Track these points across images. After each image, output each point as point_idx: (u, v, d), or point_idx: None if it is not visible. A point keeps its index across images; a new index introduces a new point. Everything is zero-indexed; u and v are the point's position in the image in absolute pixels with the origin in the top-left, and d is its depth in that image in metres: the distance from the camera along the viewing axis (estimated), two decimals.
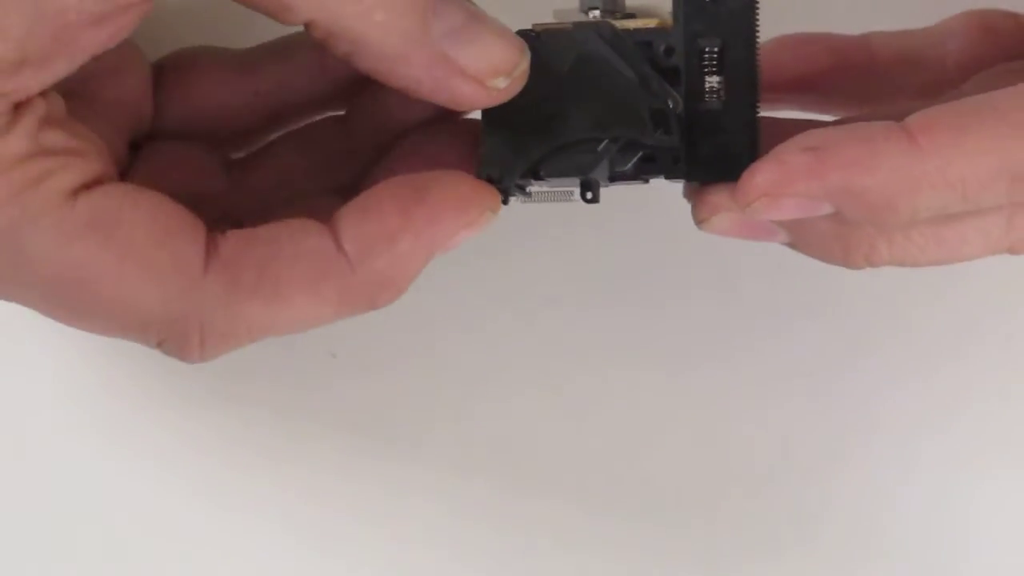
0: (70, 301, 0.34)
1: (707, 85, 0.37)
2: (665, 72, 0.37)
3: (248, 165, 0.41)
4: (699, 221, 0.37)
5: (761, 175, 0.34)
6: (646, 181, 0.37)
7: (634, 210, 0.46)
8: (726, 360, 0.47)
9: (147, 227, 0.34)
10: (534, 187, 0.37)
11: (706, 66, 0.37)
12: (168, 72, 0.40)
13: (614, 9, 0.37)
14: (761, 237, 0.36)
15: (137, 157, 0.39)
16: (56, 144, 0.34)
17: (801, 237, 0.36)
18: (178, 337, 0.35)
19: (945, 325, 0.47)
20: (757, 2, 0.36)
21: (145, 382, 0.46)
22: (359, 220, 0.36)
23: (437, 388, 0.46)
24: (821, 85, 0.40)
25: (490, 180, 0.36)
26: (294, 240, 0.36)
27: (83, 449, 0.46)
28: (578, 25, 0.37)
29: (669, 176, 0.37)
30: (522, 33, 0.36)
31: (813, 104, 0.41)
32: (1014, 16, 0.39)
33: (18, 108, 0.33)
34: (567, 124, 0.36)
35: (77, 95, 0.36)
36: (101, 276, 0.34)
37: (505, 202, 0.37)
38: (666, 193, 0.38)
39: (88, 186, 0.34)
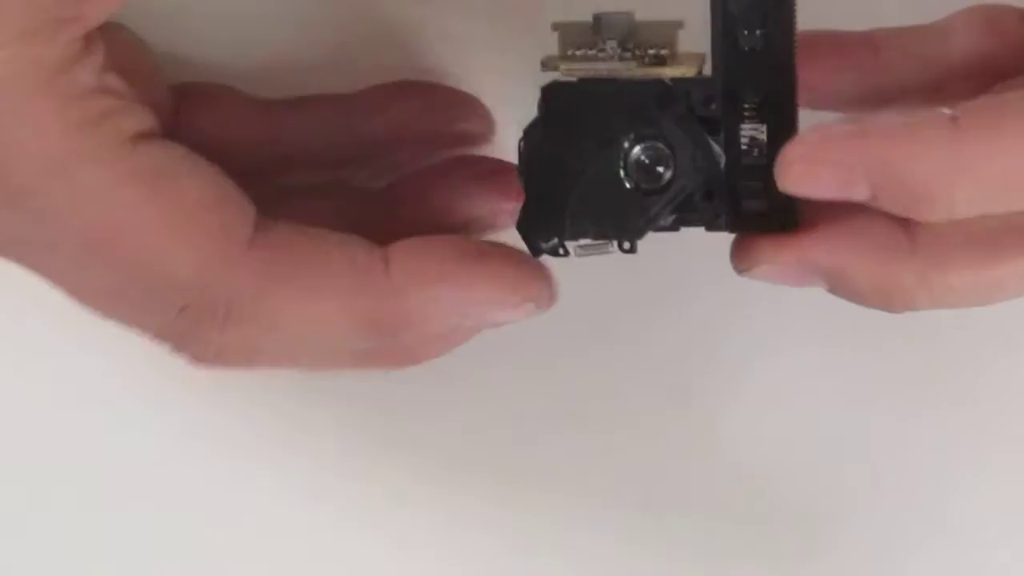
0: (107, 247, 0.34)
1: (746, 135, 0.36)
2: (704, 121, 0.36)
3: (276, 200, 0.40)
4: (740, 270, 0.36)
5: (801, 142, 0.34)
6: (677, 229, 0.37)
7: None
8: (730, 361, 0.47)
9: (201, 189, 0.34)
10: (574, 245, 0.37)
11: (747, 115, 0.36)
12: (191, 96, 0.40)
13: (628, 39, 0.36)
14: (805, 283, 0.36)
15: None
16: (119, 89, 0.34)
17: (841, 284, 0.36)
18: (204, 306, 0.34)
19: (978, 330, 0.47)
20: (795, 51, 0.36)
21: (146, 381, 0.46)
22: (418, 252, 0.36)
23: (438, 388, 0.46)
24: (826, 83, 0.40)
25: (538, 247, 0.36)
26: (344, 248, 0.35)
27: (76, 449, 0.46)
28: (624, 82, 0.36)
29: (710, 229, 0.36)
30: (554, 86, 0.36)
31: (820, 102, 0.41)
32: (1020, 11, 0.39)
33: (88, 40, 0.33)
34: (614, 185, 0.36)
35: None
36: (146, 225, 0.34)
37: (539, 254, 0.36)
38: None
39: (147, 136, 0.34)
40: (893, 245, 0.35)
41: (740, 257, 0.36)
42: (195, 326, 0.35)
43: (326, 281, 0.35)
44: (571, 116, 0.36)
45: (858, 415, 0.47)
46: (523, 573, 0.48)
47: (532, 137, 0.36)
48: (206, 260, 0.34)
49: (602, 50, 0.36)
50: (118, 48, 0.35)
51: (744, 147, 0.36)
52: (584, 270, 0.46)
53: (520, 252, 0.36)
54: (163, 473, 0.46)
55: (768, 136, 0.36)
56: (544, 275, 0.37)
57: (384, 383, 0.46)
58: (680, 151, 0.35)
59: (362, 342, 0.36)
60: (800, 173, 0.34)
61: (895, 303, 0.35)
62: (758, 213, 0.36)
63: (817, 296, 0.43)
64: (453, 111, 0.42)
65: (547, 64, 0.37)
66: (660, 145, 0.36)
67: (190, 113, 0.40)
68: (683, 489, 0.48)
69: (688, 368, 0.47)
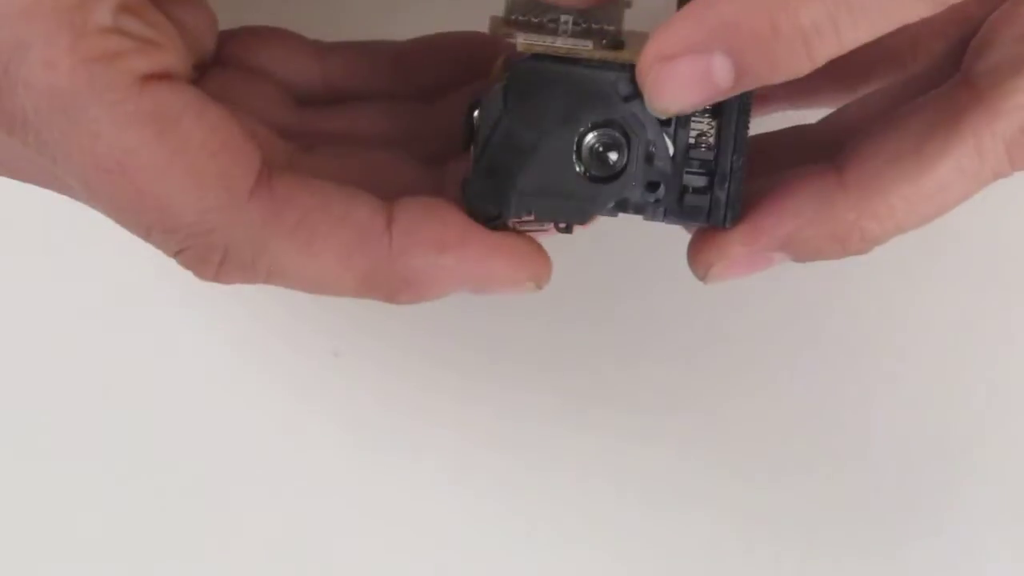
0: (107, 186, 0.34)
1: (696, 129, 0.36)
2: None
3: (323, 110, 0.41)
4: (701, 278, 0.37)
5: (650, 45, 0.34)
6: (615, 215, 0.37)
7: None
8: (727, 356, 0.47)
9: (205, 135, 0.34)
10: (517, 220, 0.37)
11: (701, 110, 0.36)
12: (244, 31, 0.40)
13: (580, 16, 0.37)
14: (763, 266, 0.36)
15: (205, 76, 0.39)
16: (134, 30, 0.34)
17: (795, 249, 0.36)
18: (201, 250, 0.35)
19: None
20: None
21: (146, 378, 0.46)
22: (421, 215, 0.36)
23: (439, 387, 0.46)
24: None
25: (487, 215, 0.36)
26: (347, 203, 0.35)
27: (68, 448, 0.46)
28: (588, 66, 0.36)
29: (647, 217, 0.37)
30: (520, 65, 0.36)
31: (797, 99, 0.41)
32: None
33: None
34: (565, 168, 0.36)
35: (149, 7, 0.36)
36: (146, 168, 0.34)
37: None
38: None
39: (158, 77, 0.34)
40: (825, 188, 0.35)
41: (694, 266, 0.37)
42: (193, 265, 0.35)
43: (324, 236, 0.35)
44: (535, 94, 0.35)
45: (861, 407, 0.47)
46: (523, 572, 0.48)
47: (492, 107, 0.36)
48: (204, 207, 0.34)
49: (553, 21, 0.37)
50: None
51: (692, 141, 0.36)
52: (585, 269, 0.46)
53: (524, 233, 0.37)
54: (163, 471, 0.46)
55: (718, 131, 0.36)
56: (545, 255, 0.37)
57: (386, 382, 0.46)
58: (635, 142, 0.36)
59: (363, 295, 0.36)
60: (659, 75, 0.34)
61: (851, 243, 0.35)
62: (699, 207, 0.36)
63: (817, 299, 0.43)
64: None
65: (494, 26, 0.37)
66: (616, 134, 0.36)
67: (243, 47, 0.40)
68: (683, 487, 0.48)
69: (687, 365, 0.47)
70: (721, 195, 0.36)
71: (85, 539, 0.47)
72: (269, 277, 0.35)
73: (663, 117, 0.35)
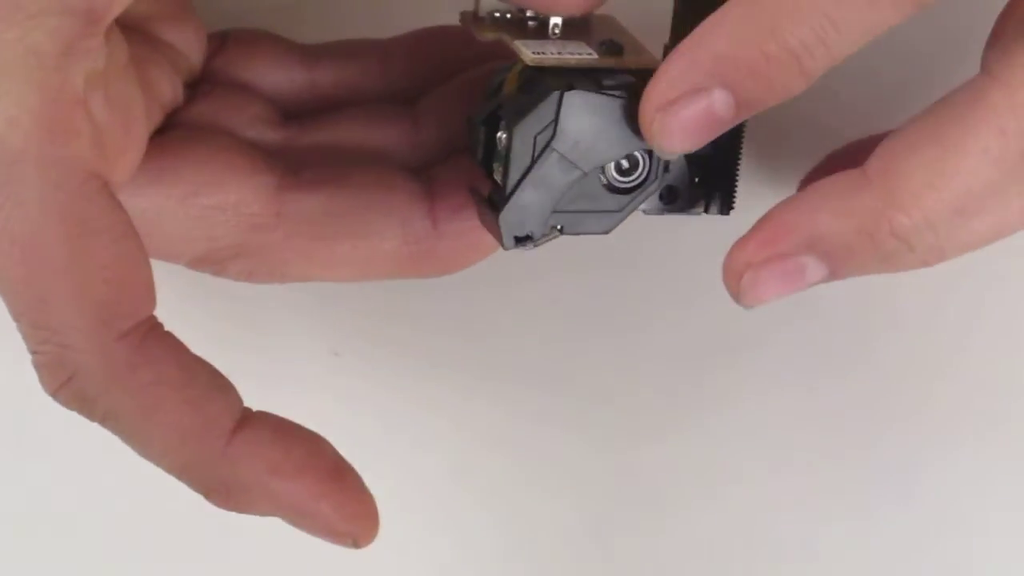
0: (3, 255, 0.33)
1: None
2: None
3: (307, 124, 0.41)
4: (736, 296, 0.36)
5: (652, 85, 0.34)
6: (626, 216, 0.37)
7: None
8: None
9: (109, 262, 0.34)
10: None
11: None
12: (231, 41, 0.40)
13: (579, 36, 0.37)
14: (796, 278, 0.35)
15: (195, 93, 0.39)
16: (96, 109, 0.34)
17: (825, 249, 0.35)
18: (52, 361, 0.34)
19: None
20: None
21: None
22: (271, 432, 0.36)
23: (439, 386, 0.46)
24: None
25: (512, 240, 0.36)
26: (206, 392, 0.35)
27: (68, 448, 0.46)
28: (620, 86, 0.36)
29: (647, 212, 0.37)
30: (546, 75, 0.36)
31: None
32: None
33: (93, 37, 0.33)
34: (592, 183, 0.36)
35: (137, 31, 0.37)
36: (43, 260, 0.33)
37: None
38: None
39: (100, 183, 0.34)
40: (849, 182, 0.35)
41: (728, 282, 0.36)
42: (40, 372, 0.35)
43: (166, 411, 0.35)
44: (580, 122, 0.36)
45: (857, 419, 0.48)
46: (523, 571, 0.48)
47: (536, 138, 0.36)
48: (72, 324, 0.34)
49: (532, 19, 0.37)
50: None
51: None
52: (584, 267, 0.46)
53: (365, 487, 0.37)
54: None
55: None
56: (375, 518, 0.37)
57: (387, 381, 0.46)
58: (655, 154, 0.36)
59: (179, 479, 0.36)
60: (664, 124, 0.34)
61: (881, 237, 0.34)
62: (696, 198, 0.37)
63: (815, 302, 0.43)
64: (488, 57, 0.42)
65: (469, 23, 0.38)
66: (639, 151, 0.36)
67: (229, 60, 0.40)
68: (682, 486, 0.48)
69: (687, 365, 0.47)
70: (719, 186, 0.37)
71: (85, 539, 0.47)
72: (104, 420, 0.35)
73: (670, 159, 0.36)
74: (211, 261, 0.38)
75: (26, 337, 0.34)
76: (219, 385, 0.36)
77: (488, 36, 0.37)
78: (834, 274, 0.35)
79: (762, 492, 0.48)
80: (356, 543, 0.37)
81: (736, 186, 0.37)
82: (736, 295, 0.35)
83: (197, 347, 0.37)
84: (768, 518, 0.48)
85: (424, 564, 0.48)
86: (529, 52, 0.36)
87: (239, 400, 0.36)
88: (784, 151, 0.44)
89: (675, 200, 0.37)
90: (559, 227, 0.36)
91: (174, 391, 0.35)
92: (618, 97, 0.36)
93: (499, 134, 0.37)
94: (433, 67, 0.41)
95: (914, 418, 0.48)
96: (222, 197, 0.37)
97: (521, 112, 0.36)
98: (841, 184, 0.35)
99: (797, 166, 0.43)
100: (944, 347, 0.47)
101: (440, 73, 0.40)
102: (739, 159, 0.37)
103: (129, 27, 0.35)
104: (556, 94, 0.35)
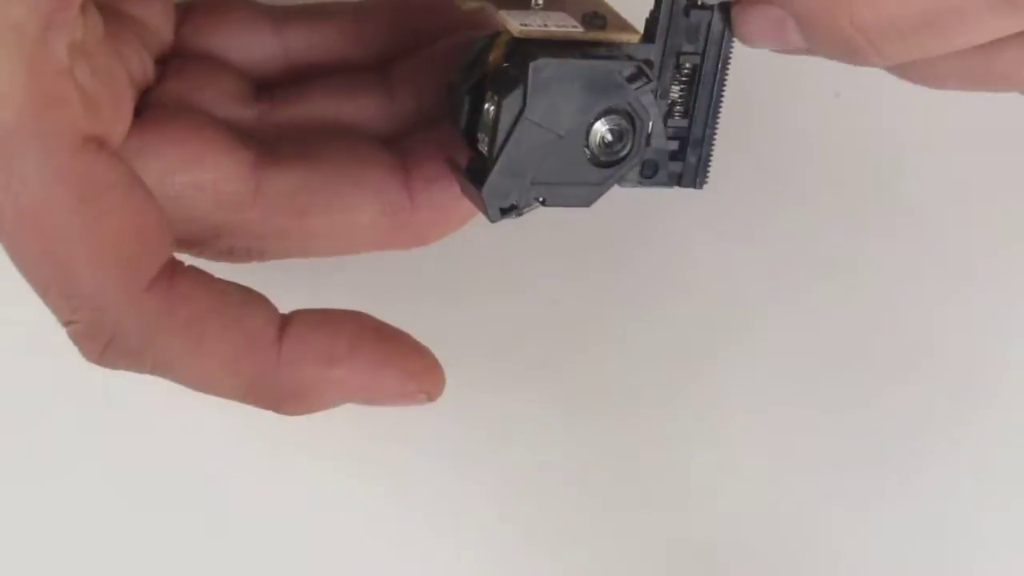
0: (19, 233, 0.33)
1: (672, 96, 0.37)
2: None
3: (279, 98, 0.40)
4: (733, 30, 0.36)
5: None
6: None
7: (634, 210, 0.46)
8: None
9: (122, 216, 0.34)
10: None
11: (676, 79, 0.37)
12: (199, 9, 0.40)
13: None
14: (776, 28, 0.35)
15: (166, 70, 0.39)
16: (83, 79, 0.33)
17: (804, 28, 0.35)
18: (89, 327, 0.34)
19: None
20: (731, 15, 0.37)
21: (145, 377, 0.46)
22: (313, 326, 0.36)
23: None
24: None
25: (496, 210, 0.36)
26: (242, 309, 0.35)
27: (67, 448, 0.46)
28: (592, 55, 0.36)
29: (623, 184, 0.37)
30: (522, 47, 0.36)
31: None
32: None
33: (72, 9, 0.32)
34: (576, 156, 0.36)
35: (106, 7, 0.36)
36: (57, 228, 0.33)
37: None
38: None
39: (98, 143, 0.34)
40: None
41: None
42: (79, 340, 0.35)
43: (213, 339, 0.35)
44: (553, 91, 0.36)
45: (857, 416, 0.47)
46: (522, 569, 0.48)
47: (510, 108, 0.36)
48: (100, 285, 0.34)
49: None
50: None
51: (666, 109, 0.37)
52: (584, 265, 0.46)
53: (418, 342, 0.37)
54: (161, 469, 0.46)
55: (694, 99, 0.37)
56: (438, 367, 0.37)
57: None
58: (640, 126, 0.36)
59: (246, 402, 0.36)
60: (740, 13, 0.35)
61: (839, 22, 0.34)
62: (672, 172, 0.37)
63: (815, 304, 0.43)
64: (464, 25, 0.42)
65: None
66: (623, 122, 0.36)
67: (197, 28, 0.40)
68: (683, 485, 0.48)
69: (684, 363, 0.47)
70: (693, 159, 0.37)
71: (85, 539, 0.47)
72: (154, 369, 0.35)
73: (752, 47, 0.36)
74: (189, 243, 0.38)
75: (56, 310, 0.34)
76: (252, 300, 0.36)
77: (471, 5, 0.37)
78: (810, 45, 0.35)
79: (762, 492, 0.48)
80: (429, 397, 0.37)
81: (710, 161, 0.37)
82: (733, 21, 0.36)
83: None
84: (768, 518, 0.48)
85: (424, 564, 0.48)
86: (516, 23, 0.36)
87: (274, 308, 0.36)
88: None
89: (653, 174, 0.37)
90: (541, 199, 0.36)
91: (213, 319, 0.35)
92: (588, 59, 0.36)
93: (486, 105, 0.36)
94: (408, 33, 0.40)
95: (914, 416, 0.48)
96: (199, 175, 0.37)
97: (509, 84, 0.36)
98: None
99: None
100: (943, 348, 0.47)
101: (415, 39, 0.40)
102: (715, 134, 0.37)
103: (97, 3, 0.35)
104: (529, 64, 0.35)
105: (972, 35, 0.33)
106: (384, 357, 0.36)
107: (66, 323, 0.34)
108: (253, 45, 0.40)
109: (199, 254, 0.38)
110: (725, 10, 0.36)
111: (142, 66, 0.37)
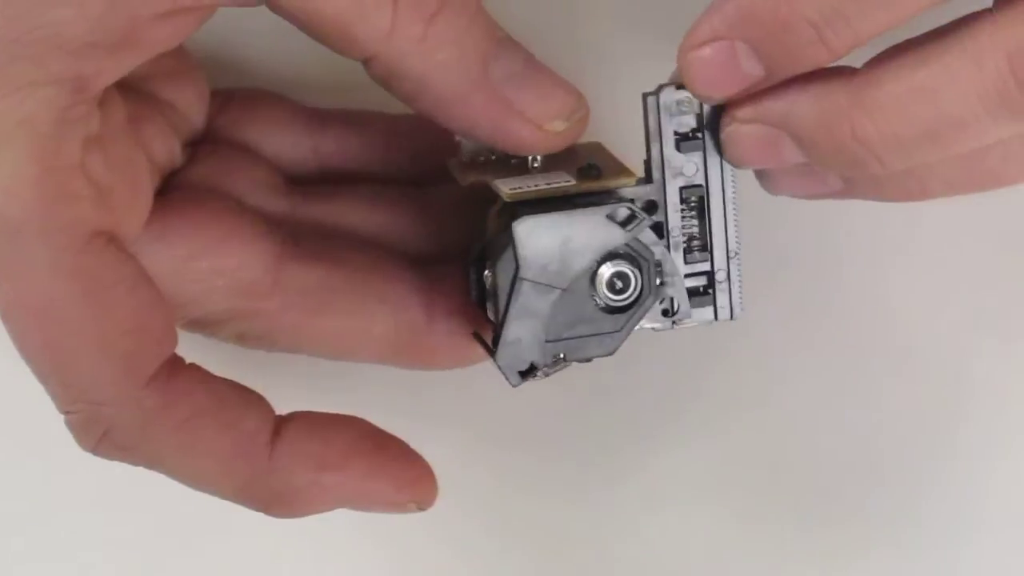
0: (21, 323, 0.34)
1: (687, 231, 0.37)
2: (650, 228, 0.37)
3: (311, 194, 0.40)
4: (723, 150, 0.36)
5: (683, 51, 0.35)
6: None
7: None
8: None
9: (127, 312, 0.34)
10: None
11: (685, 212, 0.37)
12: (236, 100, 0.40)
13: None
14: (771, 151, 0.36)
15: (196, 153, 0.39)
16: (96, 171, 0.34)
17: (793, 129, 0.35)
18: (85, 419, 0.35)
19: None
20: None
21: None
22: (307, 431, 0.36)
23: (440, 385, 0.46)
24: None
25: (516, 376, 0.36)
26: (239, 410, 0.36)
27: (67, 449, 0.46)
28: (580, 206, 0.36)
29: (657, 330, 0.37)
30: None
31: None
32: None
33: (87, 105, 0.33)
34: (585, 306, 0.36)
35: (135, 90, 0.36)
36: (61, 322, 0.33)
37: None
38: None
39: (107, 238, 0.34)
40: (832, 76, 0.34)
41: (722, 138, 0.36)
42: (75, 431, 0.35)
43: (207, 440, 0.35)
44: (543, 244, 0.36)
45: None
46: (523, 570, 0.48)
47: (505, 271, 0.36)
48: (99, 380, 0.34)
49: (515, 157, 0.37)
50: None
51: (685, 246, 0.37)
52: None
53: (413, 450, 0.37)
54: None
55: (709, 233, 0.37)
56: (430, 476, 0.38)
57: (386, 379, 0.46)
58: (646, 267, 0.36)
59: (237, 502, 0.36)
60: (690, 63, 0.34)
61: (840, 134, 0.34)
62: (704, 310, 0.37)
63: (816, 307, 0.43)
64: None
65: (457, 172, 0.38)
66: (626, 264, 0.36)
67: (233, 120, 0.40)
68: (682, 485, 0.48)
69: (688, 365, 0.47)
70: (723, 298, 0.37)
71: (84, 539, 0.47)
72: (149, 464, 0.35)
73: (709, 104, 0.36)
74: (204, 324, 0.38)
75: (55, 398, 0.35)
76: (249, 401, 0.36)
77: (468, 180, 0.38)
78: (808, 159, 0.35)
79: (762, 492, 0.48)
80: (421, 507, 0.37)
81: (740, 287, 0.37)
82: (723, 145, 0.36)
83: (195, 348, 0.37)
84: (768, 518, 0.48)
85: (424, 563, 0.48)
86: (506, 189, 0.36)
87: (270, 409, 0.36)
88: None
89: (678, 312, 0.37)
90: (562, 355, 0.36)
91: (209, 419, 0.35)
92: (570, 208, 0.36)
93: (485, 273, 0.37)
94: (438, 150, 0.40)
95: (915, 416, 0.48)
96: (220, 261, 0.37)
97: (500, 248, 0.36)
98: (830, 73, 0.34)
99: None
100: (944, 347, 0.47)
101: (444, 156, 0.40)
102: (739, 260, 0.37)
103: (125, 86, 0.35)
104: (511, 224, 0.36)
105: (973, 143, 0.33)
106: (377, 466, 0.37)
107: (64, 412, 0.35)
108: (286, 140, 0.40)
109: (211, 335, 0.38)
110: (715, 137, 0.36)
111: (168, 150, 0.37)
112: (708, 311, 0.37)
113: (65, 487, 0.47)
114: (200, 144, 0.39)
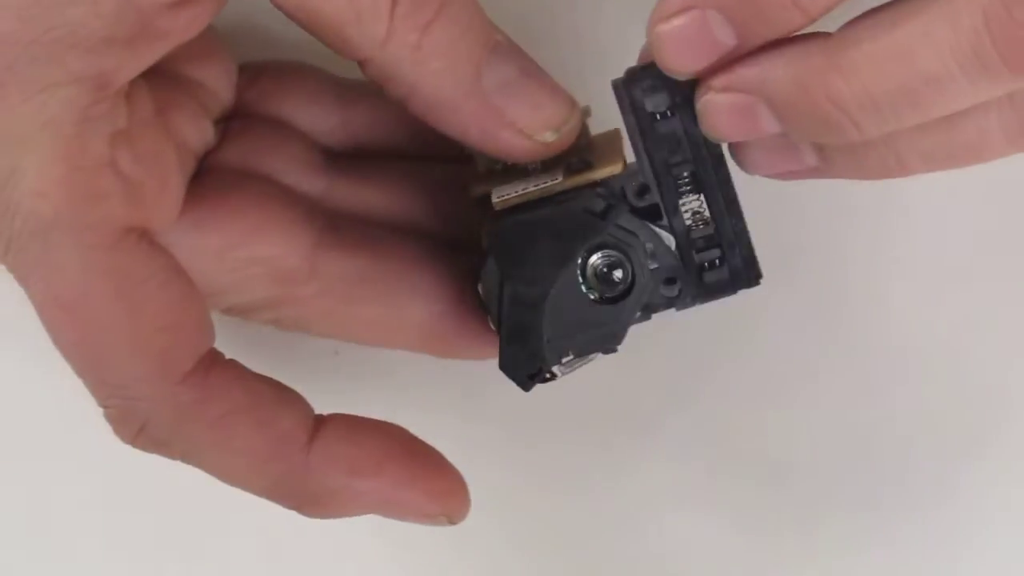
0: (56, 321, 0.34)
1: (688, 209, 0.37)
2: (646, 212, 0.37)
3: (349, 173, 0.40)
4: (699, 121, 0.36)
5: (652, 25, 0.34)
6: (648, 318, 0.37)
7: None
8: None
9: (160, 307, 0.34)
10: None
11: (682, 190, 0.37)
12: (266, 74, 0.40)
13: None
14: (749, 120, 0.35)
15: (227, 131, 0.39)
16: (126, 166, 0.33)
17: (769, 94, 0.34)
18: (122, 413, 0.35)
19: None
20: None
21: None
22: (343, 435, 0.36)
23: (438, 385, 0.46)
24: None
25: (525, 380, 0.36)
26: (275, 409, 0.36)
27: (67, 449, 0.46)
28: (559, 199, 0.36)
29: (679, 308, 0.37)
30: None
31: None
32: None
33: (112, 101, 0.33)
34: (580, 301, 0.36)
35: (160, 73, 0.36)
36: (94, 318, 0.34)
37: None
38: None
39: (138, 234, 0.34)
40: (809, 40, 0.34)
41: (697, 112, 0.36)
42: (113, 424, 0.35)
43: (243, 437, 0.35)
44: (522, 249, 0.36)
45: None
46: (523, 571, 0.48)
47: (490, 278, 0.36)
48: (135, 376, 0.34)
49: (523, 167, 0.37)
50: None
51: (689, 222, 0.37)
52: None
53: (448, 463, 0.37)
54: (159, 467, 0.46)
55: (708, 203, 0.37)
56: (464, 491, 0.37)
57: (386, 380, 0.46)
58: (633, 252, 0.36)
59: (270, 499, 0.36)
60: (660, 37, 0.34)
61: (815, 95, 0.33)
62: (722, 280, 0.37)
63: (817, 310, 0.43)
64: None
65: (470, 186, 0.38)
66: (614, 254, 0.36)
67: (264, 93, 0.40)
68: (681, 488, 0.48)
69: (688, 365, 0.47)
70: (737, 260, 0.36)
71: (84, 539, 0.47)
72: (184, 458, 0.36)
73: (681, 79, 0.35)
74: (239, 310, 0.38)
75: (93, 393, 0.35)
76: (287, 399, 0.36)
77: (476, 193, 0.38)
78: (785, 126, 0.34)
79: (762, 492, 0.48)
80: (451, 520, 0.37)
81: (754, 253, 0.37)
82: (699, 117, 0.35)
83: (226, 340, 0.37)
84: (768, 518, 0.48)
85: (425, 561, 0.48)
86: (495, 198, 0.36)
87: (309, 409, 0.36)
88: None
89: (678, 288, 0.37)
90: (571, 355, 0.36)
91: (245, 417, 0.35)
92: (550, 207, 0.36)
93: (478, 285, 0.37)
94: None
95: (915, 416, 0.48)
96: (258, 250, 0.37)
97: (483, 258, 0.36)
98: (805, 38, 0.34)
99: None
100: (944, 348, 0.47)
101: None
102: (745, 227, 0.37)
103: (150, 70, 0.35)
104: (484, 232, 0.36)
105: (948, 103, 0.33)
106: (411, 475, 0.36)
107: (101, 406, 0.35)
108: (317, 113, 0.40)
109: (246, 319, 0.38)
110: (689, 109, 0.36)
111: (200, 133, 0.37)
112: (729, 286, 0.37)
113: (65, 487, 0.47)
114: (232, 120, 0.39)
